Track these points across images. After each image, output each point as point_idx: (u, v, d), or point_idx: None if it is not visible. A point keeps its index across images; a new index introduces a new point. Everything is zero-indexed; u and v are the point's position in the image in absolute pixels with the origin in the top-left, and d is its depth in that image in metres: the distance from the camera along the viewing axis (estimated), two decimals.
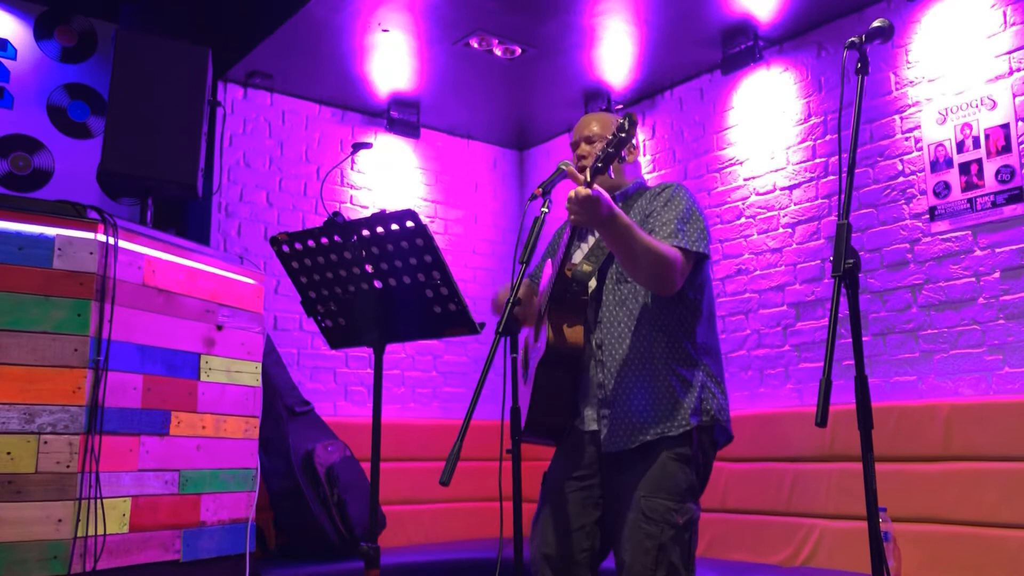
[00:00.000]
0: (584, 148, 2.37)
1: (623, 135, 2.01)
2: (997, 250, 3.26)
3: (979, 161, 3.32)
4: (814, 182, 3.90)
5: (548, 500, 2.29)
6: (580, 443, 2.26)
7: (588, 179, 2.00)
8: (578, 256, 2.37)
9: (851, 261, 1.69)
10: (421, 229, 2.10)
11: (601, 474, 2.22)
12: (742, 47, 4.10)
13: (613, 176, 2.11)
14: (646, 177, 4.70)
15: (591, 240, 2.38)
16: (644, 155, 4.74)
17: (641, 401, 2.15)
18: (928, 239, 3.46)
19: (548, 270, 2.45)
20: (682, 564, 2.07)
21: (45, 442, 2.39)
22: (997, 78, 3.31)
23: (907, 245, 3.53)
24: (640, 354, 2.18)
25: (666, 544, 2.06)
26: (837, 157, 3.70)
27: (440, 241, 4.93)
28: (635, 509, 2.08)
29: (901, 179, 3.58)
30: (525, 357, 2.50)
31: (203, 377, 2.87)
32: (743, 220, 4.17)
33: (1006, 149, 3.25)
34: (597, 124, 2.39)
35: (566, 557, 2.19)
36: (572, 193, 1.98)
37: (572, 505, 2.23)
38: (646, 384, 2.16)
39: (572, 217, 2.02)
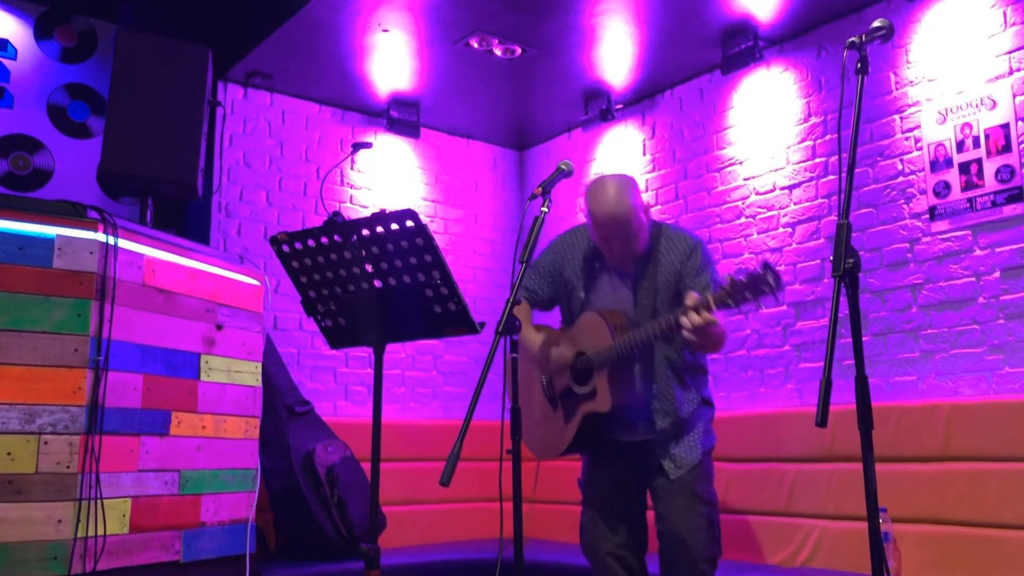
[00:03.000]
0: (620, 248, 2.58)
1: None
2: (997, 250, 3.25)
3: (979, 161, 3.32)
4: (814, 182, 3.90)
5: (596, 500, 2.68)
6: (618, 449, 2.63)
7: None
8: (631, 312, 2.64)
9: (851, 261, 1.70)
10: (421, 229, 2.10)
11: (641, 471, 2.63)
12: (742, 47, 4.10)
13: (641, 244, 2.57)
14: (647, 178, 4.70)
15: (622, 284, 2.66)
16: (644, 155, 4.74)
17: (687, 446, 2.61)
18: (928, 239, 3.46)
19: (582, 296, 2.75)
20: (719, 537, 2.56)
21: (45, 442, 2.39)
22: (997, 78, 3.31)
23: (907, 245, 3.53)
24: (675, 403, 2.59)
25: (713, 521, 2.55)
26: (837, 157, 3.70)
27: (440, 241, 4.93)
28: (684, 494, 2.53)
29: (901, 179, 3.58)
30: (550, 382, 2.74)
31: (203, 377, 2.87)
32: (743, 220, 4.17)
33: (1006, 149, 3.25)
34: (632, 219, 2.54)
35: (621, 548, 2.62)
36: (698, 326, 2.29)
37: (616, 505, 2.65)
38: (689, 428, 2.62)
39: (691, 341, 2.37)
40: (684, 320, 2.29)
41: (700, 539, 2.50)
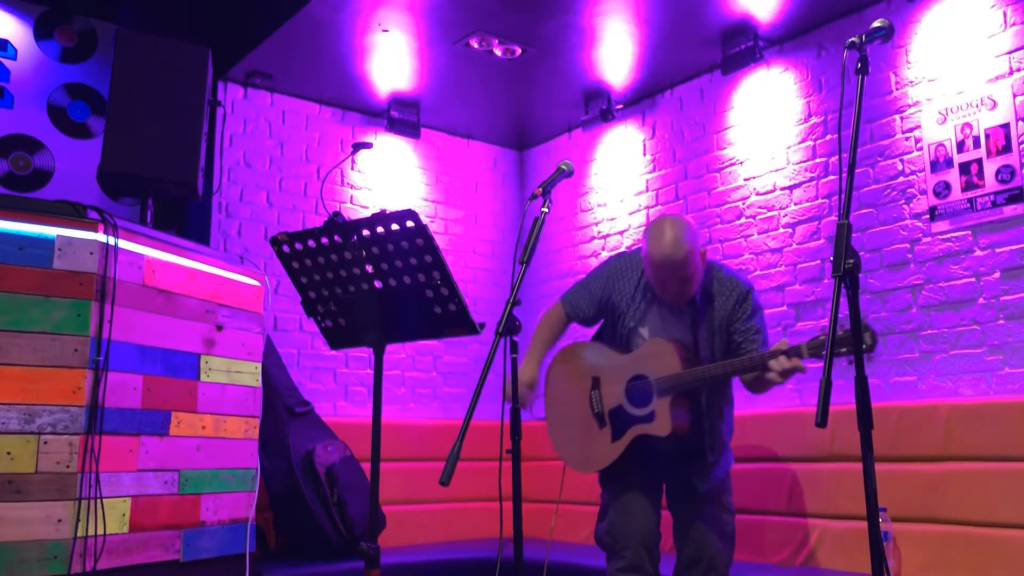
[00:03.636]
0: (674, 288, 2.63)
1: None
2: (997, 250, 3.25)
3: (979, 161, 3.32)
4: (814, 182, 3.90)
5: (626, 488, 2.69)
6: (649, 449, 2.67)
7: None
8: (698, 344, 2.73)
9: (851, 261, 1.70)
10: (421, 229, 2.10)
11: (658, 460, 2.71)
12: (742, 47, 4.10)
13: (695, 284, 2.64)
14: (647, 178, 4.70)
15: (674, 319, 2.73)
16: (645, 155, 4.74)
17: (719, 467, 2.74)
18: (928, 239, 3.46)
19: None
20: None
21: (45, 442, 2.39)
22: (997, 78, 3.31)
23: (907, 245, 3.53)
24: (722, 438, 2.76)
25: (734, 530, 2.71)
26: (837, 157, 3.70)
27: (440, 241, 4.93)
28: (712, 503, 2.67)
29: (901, 179, 3.58)
30: (600, 399, 2.79)
31: (203, 377, 2.87)
32: (743, 220, 4.17)
33: (1006, 149, 3.25)
34: (689, 263, 2.57)
35: (649, 536, 2.65)
36: (787, 369, 2.40)
37: (646, 489, 2.69)
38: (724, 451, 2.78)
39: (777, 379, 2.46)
40: (774, 363, 2.40)
41: (724, 547, 2.66)
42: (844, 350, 2.26)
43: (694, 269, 2.60)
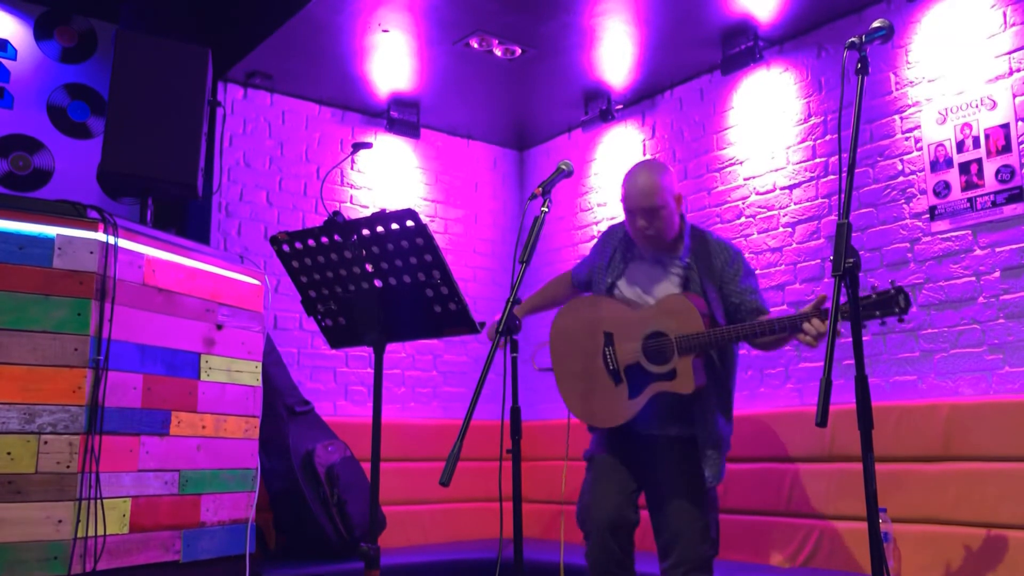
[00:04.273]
0: (642, 223, 2.64)
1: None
2: (997, 249, 3.26)
3: (979, 161, 3.32)
4: (814, 182, 3.90)
5: (599, 472, 2.68)
6: (629, 433, 2.66)
7: None
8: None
9: (851, 260, 1.70)
10: (421, 228, 2.10)
11: (641, 457, 2.68)
12: (742, 47, 4.10)
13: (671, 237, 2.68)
14: None
15: (654, 270, 2.74)
16: (644, 155, 4.74)
17: (711, 463, 2.65)
18: (928, 238, 3.46)
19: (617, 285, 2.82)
20: (715, 538, 2.61)
21: (45, 442, 2.39)
22: (997, 78, 3.31)
23: (907, 244, 3.53)
24: (716, 422, 2.65)
25: (711, 523, 2.60)
26: (837, 157, 3.70)
27: (440, 241, 4.93)
28: (683, 495, 2.58)
29: (901, 179, 3.58)
30: (614, 355, 2.72)
31: (203, 377, 2.87)
32: (743, 220, 4.17)
33: (1006, 149, 3.25)
34: (656, 194, 2.62)
35: (617, 520, 2.59)
36: (817, 332, 2.36)
37: (620, 477, 2.65)
38: (716, 444, 2.67)
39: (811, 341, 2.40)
40: (808, 326, 2.35)
41: (699, 538, 2.57)
42: (878, 312, 2.25)
43: (663, 203, 2.61)
